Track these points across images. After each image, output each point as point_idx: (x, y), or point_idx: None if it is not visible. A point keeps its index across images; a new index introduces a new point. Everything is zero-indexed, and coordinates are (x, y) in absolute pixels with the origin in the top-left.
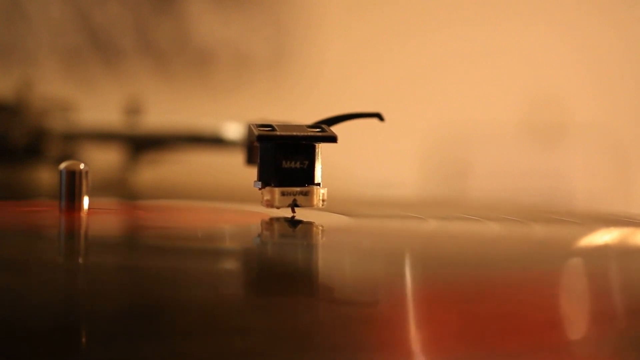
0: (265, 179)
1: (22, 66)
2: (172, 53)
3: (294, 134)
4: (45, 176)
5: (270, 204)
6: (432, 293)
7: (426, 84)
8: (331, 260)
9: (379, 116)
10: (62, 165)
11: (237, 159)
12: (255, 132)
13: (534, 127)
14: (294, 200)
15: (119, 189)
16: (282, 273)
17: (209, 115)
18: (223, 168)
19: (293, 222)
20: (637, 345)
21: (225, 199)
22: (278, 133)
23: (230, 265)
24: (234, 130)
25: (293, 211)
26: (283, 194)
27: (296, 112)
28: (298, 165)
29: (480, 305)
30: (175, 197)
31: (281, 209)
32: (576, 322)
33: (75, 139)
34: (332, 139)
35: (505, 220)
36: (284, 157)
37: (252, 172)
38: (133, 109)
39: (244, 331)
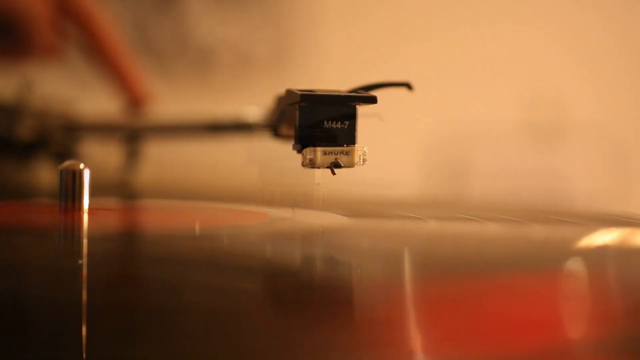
0: (305, 140)
1: (22, 66)
2: (172, 53)
3: (337, 94)
4: (45, 176)
5: (312, 163)
6: (432, 293)
7: (426, 84)
8: (331, 260)
9: (407, 85)
10: (62, 165)
11: (236, 159)
12: (298, 92)
13: (534, 127)
14: (336, 159)
15: (119, 189)
16: (281, 273)
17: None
18: (223, 168)
19: (294, 223)
20: (637, 346)
21: (225, 199)
22: (320, 93)
23: (229, 265)
24: (253, 114)
25: (333, 172)
26: (325, 153)
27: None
28: (339, 125)
29: (480, 305)
30: (175, 197)
31: (282, 213)
32: (576, 322)
33: (76, 139)
34: (372, 99)
35: (505, 220)
36: (327, 117)
37: (251, 173)
38: (133, 109)
39: (244, 331)
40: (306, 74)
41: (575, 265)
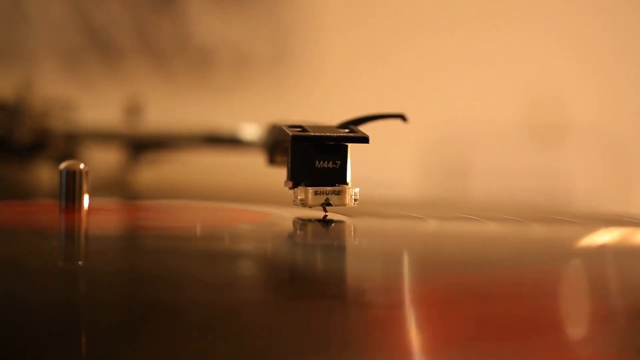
0: (297, 178)
1: (22, 66)
2: (172, 53)
3: (328, 134)
4: (46, 176)
5: (304, 204)
6: (432, 293)
7: (426, 83)
8: (331, 261)
9: (402, 117)
10: (62, 165)
11: (237, 159)
12: (289, 132)
13: (534, 127)
14: (327, 199)
15: (119, 189)
16: (281, 273)
17: (209, 114)
18: (223, 168)
19: (296, 223)
20: (637, 346)
21: (225, 198)
22: (312, 134)
23: (230, 265)
24: (249, 131)
25: (325, 210)
26: (316, 193)
27: (296, 111)
28: (330, 165)
29: (480, 306)
30: (175, 197)
31: (283, 212)
32: (576, 322)
33: (76, 138)
34: (364, 139)
35: (505, 220)
36: (318, 157)
37: (251, 173)
38: (133, 109)
39: (244, 332)
40: (306, 74)
41: (575, 265)
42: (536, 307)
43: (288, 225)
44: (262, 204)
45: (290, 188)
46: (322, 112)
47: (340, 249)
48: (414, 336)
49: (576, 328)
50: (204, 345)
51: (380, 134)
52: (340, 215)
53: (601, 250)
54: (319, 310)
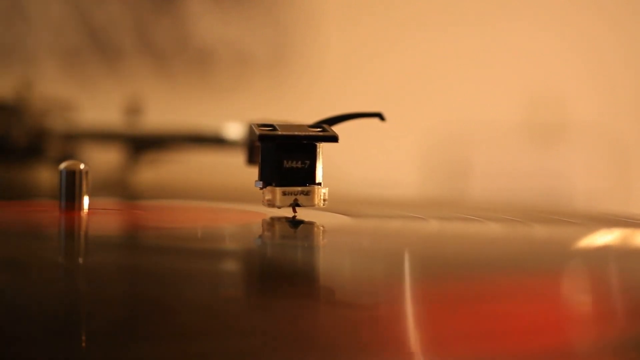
0: (267, 178)
1: (22, 66)
2: (172, 53)
3: (296, 133)
4: (45, 176)
5: (271, 204)
6: (432, 293)
7: (426, 83)
8: (331, 261)
9: (379, 116)
10: (62, 165)
11: (237, 159)
12: (257, 131)
13: (534, 127)
14: (295, 200)
15: (119, 189)
16: (281, 274)
17: (209, 114)
18: (222, 168)
19: (294, 222)
20: (637, 346)
21: (225, 199)
22: (279, 133)
23: (230, 266)
24: (234, 130)
25: (294, 211)
26: (284, 193)
27: (296, 111)
28: (299, 164)
29: (480, 306)
30: (175, 197)
31: (282, 209)
32: (576, 322)
33: (75, 139)
34: (334, 138)
35: (505, 220)
36: (286, 156)
37: (252, 172)
38: (133, 109)
39: (244, 332)
40: (306, 74)
41: (575, 266)
42: (536, 307)
43: (287, 225)
44: (259, 204)
45: (261, 188)
46: (322, 112)
47: (340, 249)
48: (414, 337)
49: (576, 328)
50: (202, 346)
51: (381, 134)
52: (340, 215)
53: (601, 251)
54: (317, 311)
